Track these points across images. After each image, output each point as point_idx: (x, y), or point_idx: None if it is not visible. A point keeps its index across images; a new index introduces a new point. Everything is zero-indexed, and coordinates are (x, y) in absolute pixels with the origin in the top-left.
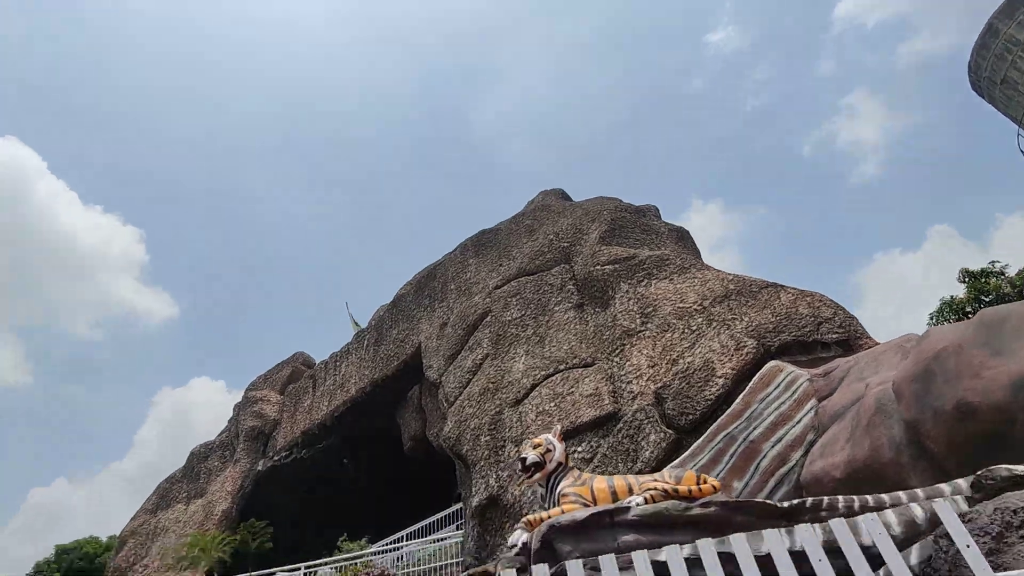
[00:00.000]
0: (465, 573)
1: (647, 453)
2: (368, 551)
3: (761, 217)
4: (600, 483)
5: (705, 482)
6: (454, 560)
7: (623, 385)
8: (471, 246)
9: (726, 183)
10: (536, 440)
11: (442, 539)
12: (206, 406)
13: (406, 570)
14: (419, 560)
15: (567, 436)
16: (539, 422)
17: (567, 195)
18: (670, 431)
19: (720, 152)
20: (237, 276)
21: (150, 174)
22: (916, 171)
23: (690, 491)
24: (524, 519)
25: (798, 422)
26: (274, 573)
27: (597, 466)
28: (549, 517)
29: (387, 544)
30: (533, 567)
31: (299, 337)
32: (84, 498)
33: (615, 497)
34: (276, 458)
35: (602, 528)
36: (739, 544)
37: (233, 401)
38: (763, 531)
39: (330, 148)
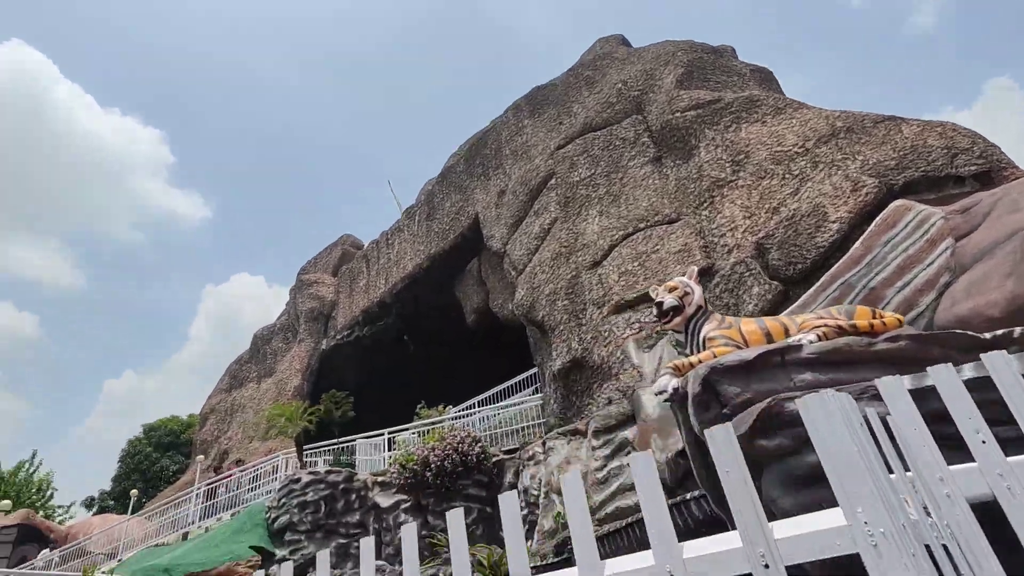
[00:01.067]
0: (554, 431)
1: (750, 307)
2: (447, 416)
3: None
4: (749, 325)
5: (882, 316)
6: (535, 422)
7: (715, 239)
8: (524, 106)
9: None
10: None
11: (519, 404)
12: (248, 299)
13: (486, 433)
14: (499, 423)
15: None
16: (623, 283)
17: (627, 41)
18: (775, 283)
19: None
20: (265, 169)
21: (163, 70)
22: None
23: (871, 325)
24: (669, 364)
25: (930, 264)
26: (355, 440)
27: None
28: (700, 362)
29: (464, 409)
30: (693, 411)
31: (336, 223)
32: (153, 387)
33: (769, 338)
34: (338, 337)
35: (772, 368)
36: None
37: (274, 294)
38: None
39: (342, 25)
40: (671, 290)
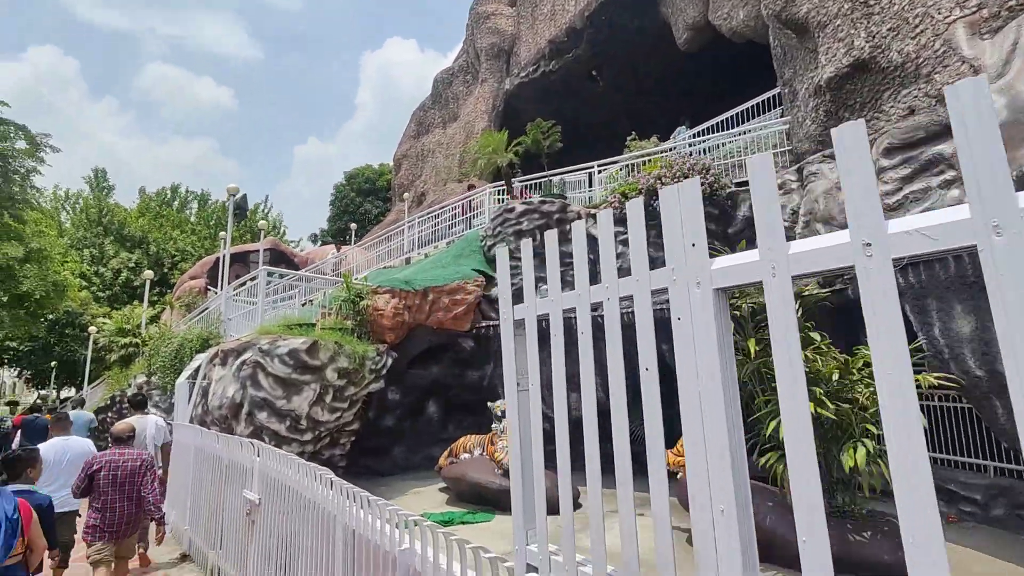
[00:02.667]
0: (819, 154)
1: None
2: (665, 145)
3: None
4: None
5: None
6: (774, 151)
7: None
8: None
9: None
10: None
11: (754, 129)
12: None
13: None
14: (728, 154)
15: None
16: None
17: None
18: None
19: None
20: None
21: None
22: None
23: None
24: None
25: None
26: (560, 173)
27: None
28: None
29: (688, 137)
30: None
31: None
32: (334, 152)
33: None
34: (522, 75)
35: None
36: None
37: (426, 59)
38: None
39: None
40: None
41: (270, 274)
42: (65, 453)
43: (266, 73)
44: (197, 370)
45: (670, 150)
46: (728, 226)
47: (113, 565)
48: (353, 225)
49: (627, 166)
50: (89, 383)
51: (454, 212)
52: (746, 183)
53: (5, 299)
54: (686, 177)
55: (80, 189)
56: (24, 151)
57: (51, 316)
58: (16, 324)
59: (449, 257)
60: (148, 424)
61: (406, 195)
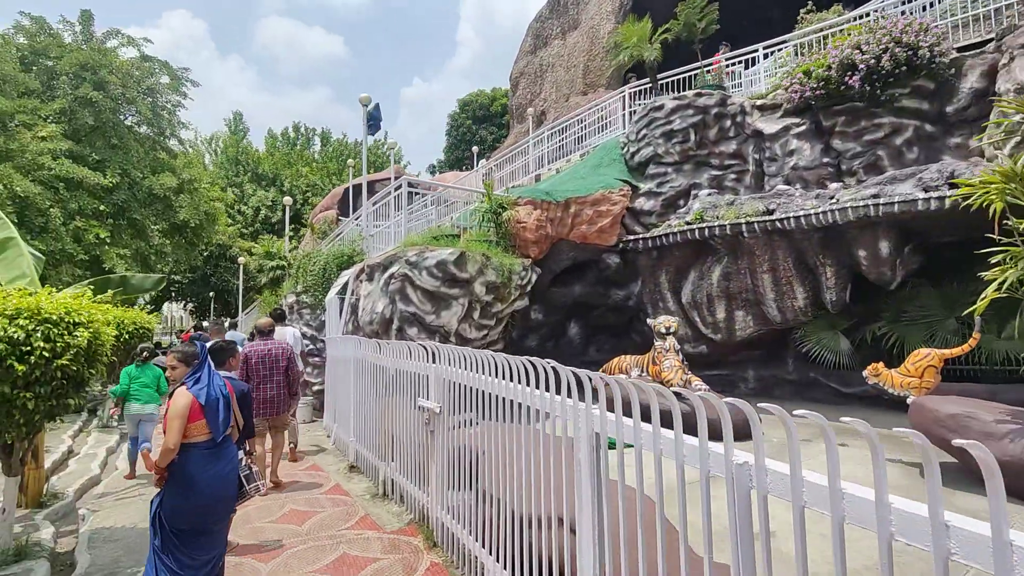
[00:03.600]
0: None
1: None
2: (863, 8)
3: None
4: None
5: None
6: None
7: None
8: None
9: None
10: None
11: None
12: None
13: None
14: (946, 12)
15: None
16: None
17: None
18: None
19: None
20: None
21: None
22: None
23: None
24: None
25: None
26: (702, 66)
27: None
28: None
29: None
30: None
31: None
32: (438, 90)
33: None
34: None
35: None
36: None
37: None
38: None
39: None
40: None
41: (410, 186)
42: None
43: (370, 17)
44: (345, 286)
45: (866, 15)
46: (946, 103)
47: (268, 436)
48: (475, 149)
49: (801, 45)
50: (243, 309)
51: (584, 122)
52: (972, 47)
53: (167, 227)
54: (897, 43)
55: (220, 131)
56: (168, 85)
57: (206, 245)
58: (177, 252)
59: (587, 168)
60: (287, 334)
61: (528, 112)
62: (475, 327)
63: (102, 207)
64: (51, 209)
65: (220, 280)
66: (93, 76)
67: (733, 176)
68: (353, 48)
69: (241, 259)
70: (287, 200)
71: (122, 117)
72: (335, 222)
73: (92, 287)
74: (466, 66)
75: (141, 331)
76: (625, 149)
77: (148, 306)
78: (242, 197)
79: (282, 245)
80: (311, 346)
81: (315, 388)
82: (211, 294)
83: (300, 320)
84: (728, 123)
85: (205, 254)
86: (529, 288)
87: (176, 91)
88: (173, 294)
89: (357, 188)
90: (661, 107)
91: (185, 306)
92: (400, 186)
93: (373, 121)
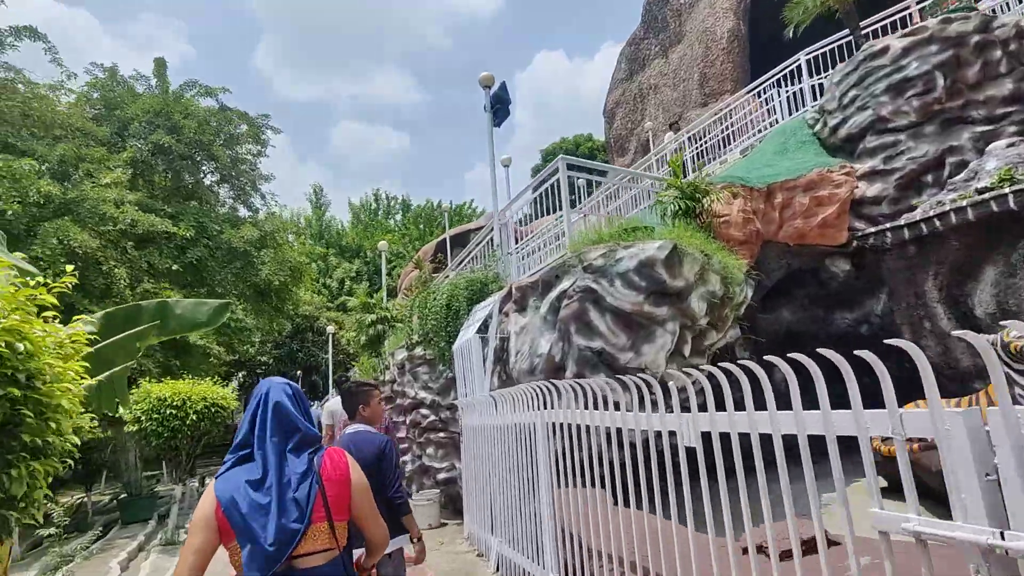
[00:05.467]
0: None
1: None
2: None
3: None
4: None
5: None
6: None
7: None
8: None
9: None
10: None
11: None
12: (553, 78)
13: None
14: None
15: None
16: None
17: None
18: None
19: None
20: None
21: None
22: None
23: None
24: None
25: None
26: None
27: None
28: None
29: None
30: None
31: None
32: (500, 171)
33: None
34: None
35: None
36: None
37: (574, 67)
38: None
39: None
40: None
41: (570, 168)
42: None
43: (431, 112)
44: (484, 324)
45: None
46: None
47: None
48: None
49: None
50: (333, 387)
51: (746, 109)
52: None
53: (247, 290)
54: None
55: (302, 207)
56: (247, 133)
57: (292, 312)
58: (260, 315)
59: (765, 158)
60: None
61: (631, 142)
62: (680, 368)
63: (175, 266)
64: (116, 270)
65: (308, 355)
66: (167, 122)
67: (1013, 129)
68: (416, 141)
69: (330, 328)
70: (383, 244)
71: (199, 165)
72: (439, 263)
73: (106, 320)
74: (528, 143)
75: (214, 411)
76: (819, 124)
77: (234, 390)
78: (327, 270)
79: (381, 296)
80: (432, 416)
81: (440, 476)
82: (298, 372)
83: (416, 382)
84: (997, 54)
85: (290, 327)
86: (743, 309)
87: (256, 140)
88: (259, 377)
89: (454, 239)
90: (884, 51)
91: None
92: (556, 170)
93: (500, 104)
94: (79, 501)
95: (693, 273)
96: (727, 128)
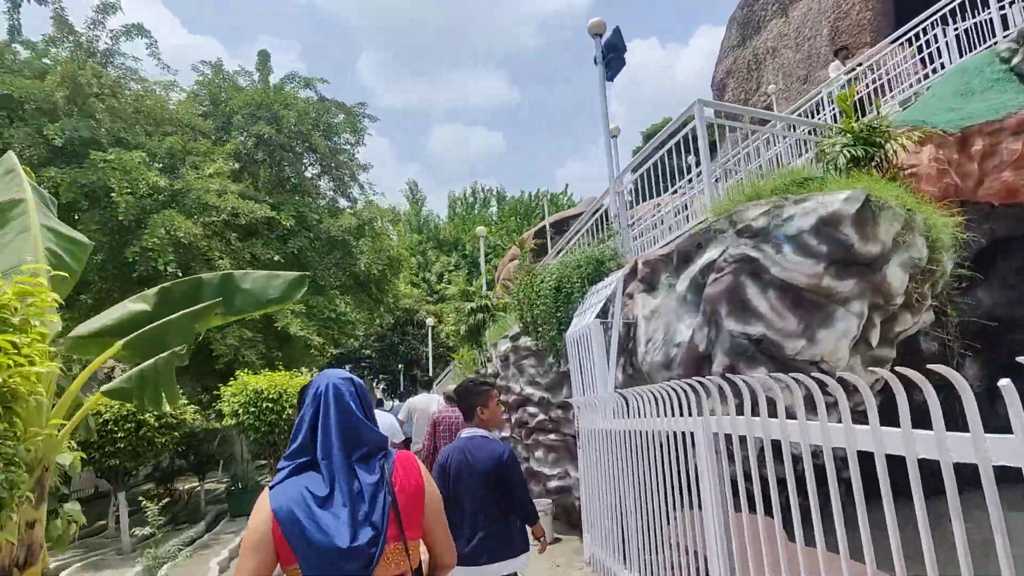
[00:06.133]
0: None
1: None
2: None
3: None
4: None
5: None
6: None
7: None
8: None
9: None
10: None
11: None
12: (647, 66)
13: None
14: None
15: None
16: None
17: None
18: None
19: None
20: None
21: None
22: None
23: None
24: None
25: None
26: None
27: None
28: None
29: None
30: None
31: None
32: (595, 168)
33: None
34: None
35: None
36: None
37: (668, 54)
38: None
39: None
40: None
41: (717, 114)
42: None
43: (524, 112)
44: (605, 305)
45: None
46: None
47: None
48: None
49: None
50: (435, 379)
51: (924, 38)
52: None
53: (346, 280)
54: None
55: (400, 203)
56: (344, 122)
57: (392, 304)
58: (360, 307)
59: (944, 103)
60: (431, 402)
61: (750, 105)
62: (865, 362)
63: (277, 256)
64: (220, 260)
65: (408, 348)
66: (267, 113)
67: None
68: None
69: (429, 320)
70: (481, 230)
71: (300, 157)
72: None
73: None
74: (621, 139)
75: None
76: (1019, 56)
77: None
78: (425, 264)
79: (480, 283)
80: (541, 415)
81: (551, 484)
82: (400, 366)
83: (521, 377)
84: None
85: (391, 320)
86: (940, 287)
87: (354, 129)
88: (365, 371)
89: (555, 226)
90: None
91: (377, 383)
92: (692, 116)
93: (614, 53)
94: (194, 489)
95: (891, 235)
96: (880, 77)
